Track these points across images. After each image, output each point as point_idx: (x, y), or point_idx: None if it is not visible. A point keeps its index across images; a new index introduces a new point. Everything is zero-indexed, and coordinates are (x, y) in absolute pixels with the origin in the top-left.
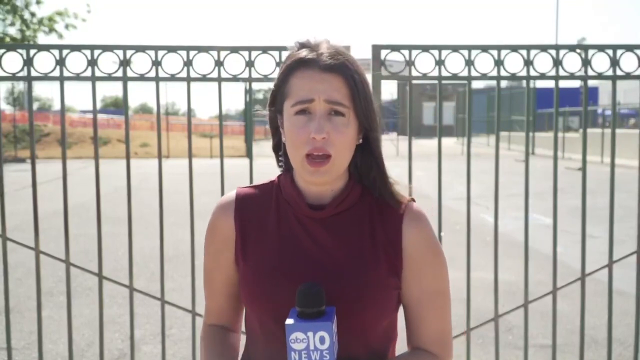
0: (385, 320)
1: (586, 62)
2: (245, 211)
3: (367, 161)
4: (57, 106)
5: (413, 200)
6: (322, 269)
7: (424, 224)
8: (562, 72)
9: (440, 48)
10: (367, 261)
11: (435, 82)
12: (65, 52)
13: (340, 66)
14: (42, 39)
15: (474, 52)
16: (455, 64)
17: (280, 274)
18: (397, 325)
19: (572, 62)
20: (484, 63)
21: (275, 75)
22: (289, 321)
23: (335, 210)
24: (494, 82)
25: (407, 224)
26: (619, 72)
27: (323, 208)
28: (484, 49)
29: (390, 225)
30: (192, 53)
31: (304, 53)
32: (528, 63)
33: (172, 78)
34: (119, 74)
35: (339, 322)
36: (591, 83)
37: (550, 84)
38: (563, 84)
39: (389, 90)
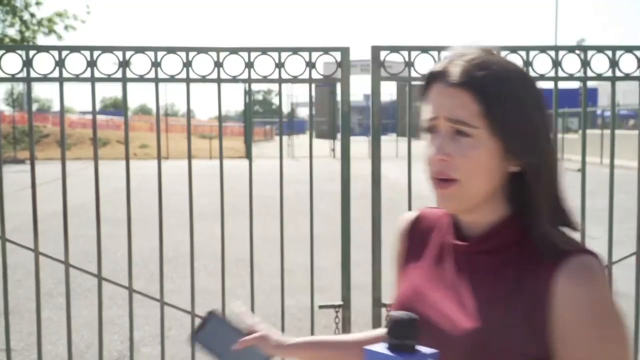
0: None
1: (585, 63)
2: (417, 232)
3: (522, 194)
4: (56, 107)
5: (588, 252)
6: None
7: (586, 280)
8: (561, 73)
9: (439, 49)
10: (496, 314)
11: None
12: (64, 53)
13: (469, 80)
14: (42, 40)
15: None
16: None
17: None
18: None
19: (571, 63)
20: None
21: (275, 76)
22: (371, 347)
23: (479, 247)
24: None
25: (561, 278)
26: (618, 73)
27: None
28: None
29: (541, 277)
30: (191, 54)
31: (438, 64)
32: (527, 64)
33: (172, 79)
34: (119, 75)
35: None
36: (590, 84)
37: (549, 85)
38: (562, 85)
39: (388, 92)
